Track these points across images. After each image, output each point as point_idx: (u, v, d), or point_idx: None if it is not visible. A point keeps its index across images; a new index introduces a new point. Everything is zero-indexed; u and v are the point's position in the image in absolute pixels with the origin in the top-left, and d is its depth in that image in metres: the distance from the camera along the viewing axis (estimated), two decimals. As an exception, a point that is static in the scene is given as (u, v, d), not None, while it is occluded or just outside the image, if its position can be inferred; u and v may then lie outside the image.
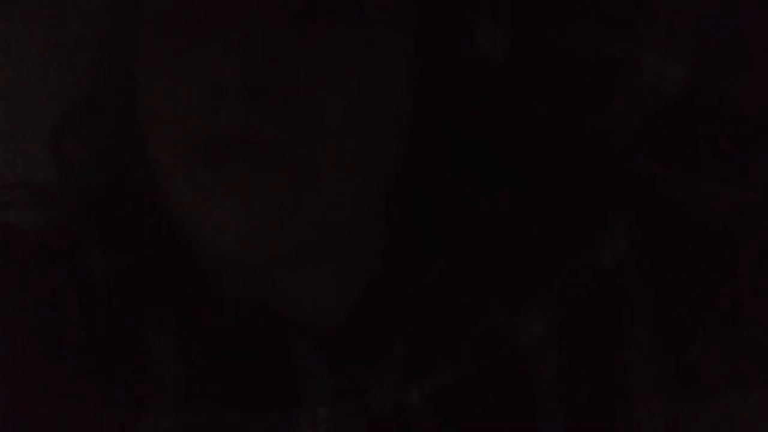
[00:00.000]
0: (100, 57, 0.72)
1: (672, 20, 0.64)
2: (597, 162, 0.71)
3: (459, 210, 0.70)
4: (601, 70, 0.66)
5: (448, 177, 0.70)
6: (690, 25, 0.64)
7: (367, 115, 0.64)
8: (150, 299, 0.70)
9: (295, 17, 0.63)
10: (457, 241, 0.70)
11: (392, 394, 0.69)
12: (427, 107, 0.67)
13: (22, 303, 0.71)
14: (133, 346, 0.69)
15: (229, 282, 0.70)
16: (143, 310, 0.70)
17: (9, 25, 0.80)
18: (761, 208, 0.71)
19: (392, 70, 0.65)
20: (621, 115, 0.67)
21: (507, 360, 0.71)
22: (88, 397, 0.69)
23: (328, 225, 0.65)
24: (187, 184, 0.65)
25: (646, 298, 0.72)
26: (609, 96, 0.67)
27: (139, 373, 0.69)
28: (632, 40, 0.65)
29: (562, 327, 0.71)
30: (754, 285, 0.72)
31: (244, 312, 0.69)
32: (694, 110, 0.66)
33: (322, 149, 0.63)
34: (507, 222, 0.70)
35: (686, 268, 0.72)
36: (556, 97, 0.68)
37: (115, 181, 0.71)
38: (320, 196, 0.64)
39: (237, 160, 0.63)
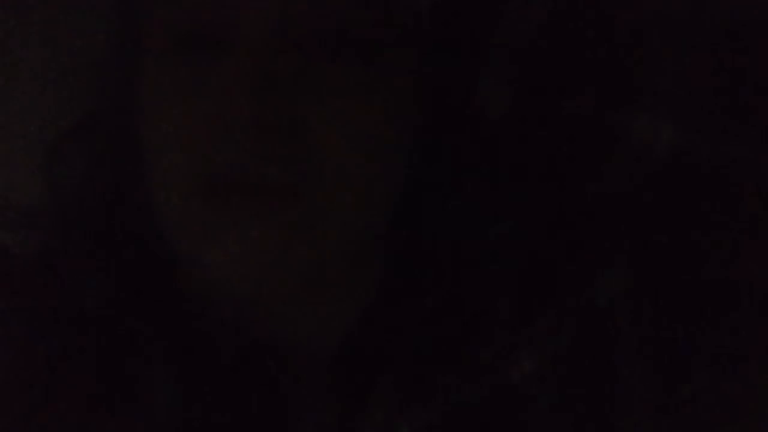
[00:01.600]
0: (99, 79, 0.72)
1: (662, 83, 0.64)
2: (593, 205, 0.72)
3: (453, 243, 0.70)
4: (596, 133, 0.67)
5: (443, 210, 0.70)
6: (680, 86, 0.65)
7: (368, 154, 0.65)
8: (140, 328, 0.69)
9: (303, 57, 0.63)
10: (451, 275, 0.70)
11: (382, 427, 0.69)
12: (425, 143, 0.68)
13: (11, 328, 0.70)
14: (124, 374, 0.69)
15: (221, 312, 0.70)
16: (134, 339, 0.69)
17: (4, 42, 0.79)
18: (754, 254, 0.71)
19: (394, 111, 0.66)
20: (614, 178, 0.68)
21: (498, 395, 0.70)
22: (79, 426, 0.68)
23: (327, 258, 0.66)
24: (185, 219, 0.65)
25: (639, 337, 0.72)
26: (602, 159, 0.67)
27: (131, 401, 0.68)
28: (624, 104, 0.65)
29: (554, 363, 0.71)
30: (746, 325, 0.72)
31: (235, 342, 0.69)
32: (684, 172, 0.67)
33: (323, 186, 0.64)
34: (501, 257, 0.70)
35: (679, 310, 0.72)
36: (553, 156, 0.69)
37: (109, 205, 0.71)
38: (321, 234, 0.64)
39: (239, 201, 0.63)
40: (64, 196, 0.72)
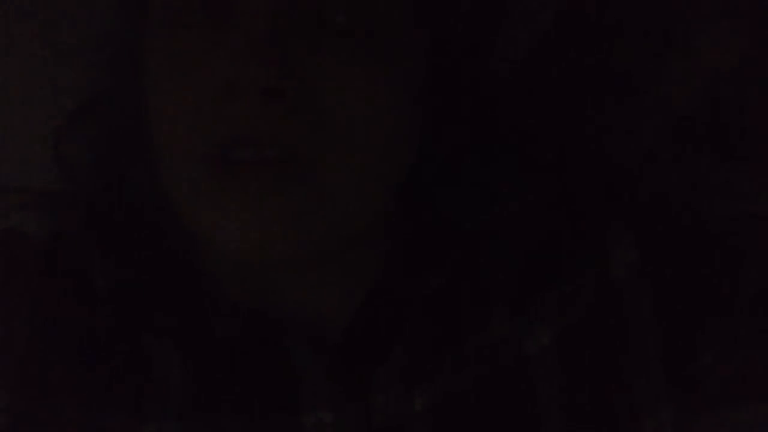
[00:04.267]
0: (104, 58, 0.71)
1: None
2: (604, 174, 0.71)
3: (463, 219, 0.70)
4: (611, 81, 0.66)
5: (452, 186, 0.69)
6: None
7: (375, 124, 0.64)
8: (151, 307, 0.69)
9: (311, 26, 0.63)
10: (461, 250, 0.70)
11: (394, 401, 0.69)
12: (433, 119, 0.68)
13: (24, 309, 0.70)
14: (136, 354, 0.69)
15: (231, 289, 0.70)
16: (145, 318, 0.69)
17: (10, 24, 0.79)
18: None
19: (401, 83, 0.65)
20: (634, 125, 0.67)
21: (511, 369, 0.70)
22: (90, 405, 0.68)
23: (336, 231, 0.65)
24: (195, 192, 0.64)
25: (652, 309, 0.71)
26: (620, 106, 0.67)
27: (142, 381, 0.69)
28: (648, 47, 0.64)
29: (566, 337, 0.71)
30: (759, 295, 0.71)
31: (246, 319, 0.69)
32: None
33: (331, 156, 0.63)
34: (511, 231, 0.70)
35: (692, 279, 0.71)
36: (565, 108, 0.68)
37: (118, 186, 0.71)
38: (328, 203, 0.64)
39: (246, 168, 0.62)
40: (75, 176, 0.72)
